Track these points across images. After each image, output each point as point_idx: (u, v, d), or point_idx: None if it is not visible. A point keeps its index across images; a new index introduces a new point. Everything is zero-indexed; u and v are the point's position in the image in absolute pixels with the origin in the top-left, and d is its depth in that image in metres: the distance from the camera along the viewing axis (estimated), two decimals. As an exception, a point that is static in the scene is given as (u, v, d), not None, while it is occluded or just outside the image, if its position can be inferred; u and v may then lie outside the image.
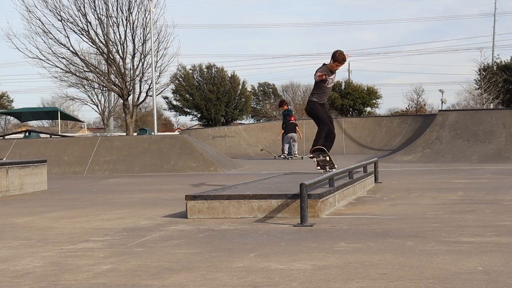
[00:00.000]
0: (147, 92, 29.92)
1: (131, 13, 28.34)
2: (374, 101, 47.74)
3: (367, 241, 4.94)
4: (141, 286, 3.66)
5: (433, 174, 13.03)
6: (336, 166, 9.59)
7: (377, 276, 3.72)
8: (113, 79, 29.00)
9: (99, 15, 28.13)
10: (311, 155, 9.78)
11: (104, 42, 28.42)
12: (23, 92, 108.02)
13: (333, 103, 45.69)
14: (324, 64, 9.65)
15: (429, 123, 21.48)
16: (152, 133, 30.31)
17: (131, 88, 29.01)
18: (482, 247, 4.58)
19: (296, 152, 22.34)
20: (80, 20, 27.83)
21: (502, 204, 7.33)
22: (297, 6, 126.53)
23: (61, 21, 27.58)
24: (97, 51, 28.84)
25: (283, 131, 22.51)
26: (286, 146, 22.24)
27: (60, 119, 42.25)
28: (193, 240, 5.26)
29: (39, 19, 27.40)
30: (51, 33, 27.60)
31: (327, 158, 9.61)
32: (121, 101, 30.81)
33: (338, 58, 9.49)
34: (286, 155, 22.07)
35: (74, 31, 27.92)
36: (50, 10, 27.43)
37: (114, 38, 28.71)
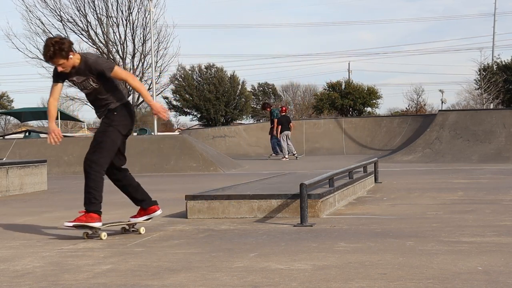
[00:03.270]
0: (147, 92, 29.90)
1: (131, 13, 28.37)
2: (374, 101, 47.73)
3: (367, 241, 4.93)
4: (141, 286, 3.66)
5: (433, 174, 13.02)
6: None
7: (377, 276, 3.72)
8: (113, 79, 28.98)
9: (99, 15, 28.15)
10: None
11: (104, 42, 28.42)
12: (23, 92, 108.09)
13: (333, 103, 45.69)
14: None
15: (429, 123, 21.46)
16: (152, 133, 30.30)
17: (131, 88, 28.99)
18: (482, 247, 4.58)
19: (295, 152, 22.16)
20: (80, 21, 27.86)
21: (502, 204, 7.33)
22: (297, 6, 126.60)
23: (61, 21, 27.60)
24: (97, 51, 28.84)
25: (277, 128, 22.17)
26: (284, 144, 22.00)
27: (60, 119, 42.16)
28: (193, 240, 5.25)
29: (39, 19, 27.44)
30: (51, 33, 27.59)
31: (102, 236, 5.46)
32: (121, 101, 30.76)
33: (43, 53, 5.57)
34: (288, 154, 21.86)
35: (74, 31, 27.93)
36: (50, 10, 27.46)
37: (114, 38, 28.73)
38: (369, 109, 48.34)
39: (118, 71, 5.60)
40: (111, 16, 28.43)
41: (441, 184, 10.42)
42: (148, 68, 29.17)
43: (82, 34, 28.03)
